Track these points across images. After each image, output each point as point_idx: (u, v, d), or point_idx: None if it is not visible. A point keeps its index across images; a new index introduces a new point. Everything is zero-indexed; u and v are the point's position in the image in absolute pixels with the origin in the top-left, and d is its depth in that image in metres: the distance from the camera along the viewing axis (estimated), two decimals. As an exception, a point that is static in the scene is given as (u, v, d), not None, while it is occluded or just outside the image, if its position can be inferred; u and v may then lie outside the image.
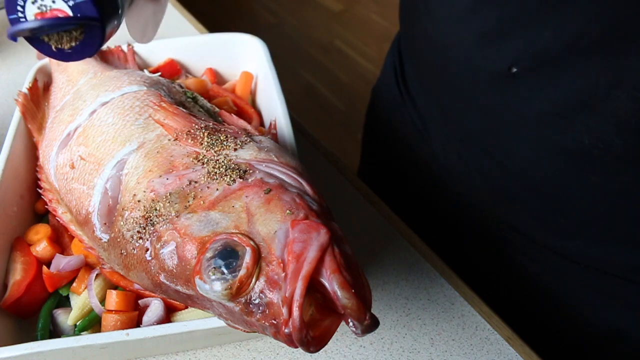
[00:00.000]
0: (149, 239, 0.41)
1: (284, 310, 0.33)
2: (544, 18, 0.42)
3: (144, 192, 0.43)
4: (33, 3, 0.31)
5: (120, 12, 0.33)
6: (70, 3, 0.31)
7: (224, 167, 0.43)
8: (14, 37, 0.32)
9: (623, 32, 0.39)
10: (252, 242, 0.36)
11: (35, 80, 0.61)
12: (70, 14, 0.31)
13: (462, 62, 0.51)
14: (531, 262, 0.60)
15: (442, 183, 0.64)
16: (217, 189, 0.41)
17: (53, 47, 0.33)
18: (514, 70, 0.45)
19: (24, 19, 0.32)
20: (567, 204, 0.51)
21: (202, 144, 0.46)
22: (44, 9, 0.31)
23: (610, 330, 0.58)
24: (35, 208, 0.57)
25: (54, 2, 0.31)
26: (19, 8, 0.31)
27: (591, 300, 0.58)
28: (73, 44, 0.33)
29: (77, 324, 0.48)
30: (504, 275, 0.64)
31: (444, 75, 0.55)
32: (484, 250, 0.65)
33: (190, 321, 0.43)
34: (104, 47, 0.66)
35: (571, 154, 0.46)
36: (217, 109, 0.57)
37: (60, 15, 0.31)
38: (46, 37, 0.33)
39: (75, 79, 0.58)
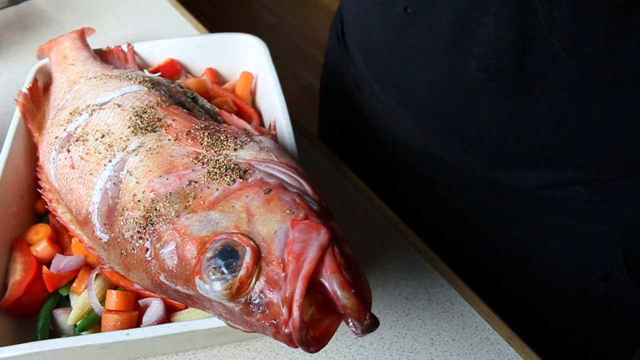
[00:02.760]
0: (149, 239, 0.41)
1: (284, 310, 0.33)
2: None
3: (144, 192, 0.43)
4: None
5: None
6: None
7: (224, 167, 0.43)
8: None
9: None
10: (252, 242, 0.36)
11: (35, 80, 0.61)
12: None
13: (372, 12, 0.59)
14: (459, 196, 0.66)
15: (379, 126, 0.71)
16: (217, 189, 0.41)
17: None
18: (408, 10, 0.53)
19: None
20: (467, 131, 0.57)
21: (202, 144, 0.46)
22: None
23: (536, 260, 0.63)
24: (35, 208, 0.57)
25: None
26: None
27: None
28: None
29: (77, 324, 0.48)
30: (434, 213, 0.70)
31: (362, 25, 0.64)
32: (413, 187, 0.71)
33: (190, 321, 0.43)
34: (104, 47, 0.66)
35: (463, 81, 0.52)
36: (217, 109, 0.57)
37: None
38: None
39: (75, 79, 0.58)
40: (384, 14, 0.57)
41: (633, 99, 0.48)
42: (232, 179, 0.41)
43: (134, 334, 0.43)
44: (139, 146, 0.47)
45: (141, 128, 0.48)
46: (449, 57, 0.52)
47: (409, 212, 0.66)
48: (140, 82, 0.54)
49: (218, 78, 0.70)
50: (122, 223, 0.43)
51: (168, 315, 0.47)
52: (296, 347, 0.34)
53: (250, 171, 0.42)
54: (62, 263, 0.49)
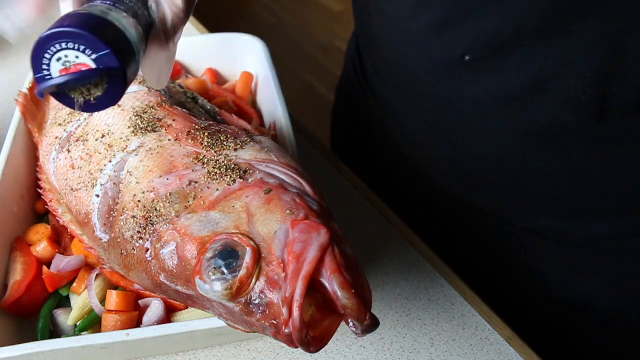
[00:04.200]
0: (149, 239, 0.41)
1: (284, 310, 0.33)
2: (490, 7, 0.44)
3: (144, 192, 0.43)
4: (57, 60, 0.32)
5: (137, 60, 0.35)
6: (93, 56, 0.32)
7: (224, 167, 0.43)
8: (41, 94, 0.33)
9: (560, 16, 0.42)
10: (252, 242, 0.36)
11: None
12: (94, 66, 0.33)
13: (416, 55, 0.53)
14: (503, 241, 0.62)
15: (411, 171, 0.66)
16: (217, 189, 0.41)
17: (79, 100, 0.34)
18: (467, 58, 0.47)
19: (49, 77, 0.33)
20: (529, 183, 0.53)
21: (202, 144, 0.46)
22: (67, 64, 0.33)
23: (579, 298, 0.60)
24: (35, 208, 0.57)
25: (77, 57, 0.32)
26: (44, 67, 0.33)
27: (563, 273, 0.59)
28: (97, 94, 0.34)
29: (77, 324, 0.48)
30: (477, 254, 0.66)
31: (400, 69, 0.57)
32: (457, 234, 0.67)
33: (190, 321, 0.43)
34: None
35: (528, 133, 0.48)
36: (217, 109, 0.57)
37: (84, 68, 0.33)
38: (72, 92, 0.34)
39: (75, 79, 0.58)
40: (432, 59, 0.51)
41: None
42: (232, 179, 0.41)
43: (134, 334, 0.43)
44: (139, 146, 0.47)
45: (141, 128, 0.48)
46: (514, 110, 0.47)
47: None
48: (140, 82, 0.54)
49: (218, 78, 0.70)
50: (122, 223, 0.43)
51: (168, 315, 0.47)
52: (296, 347, 0.34)
53: (250, 171, 0.42)
54: (62, 263, 0.49)
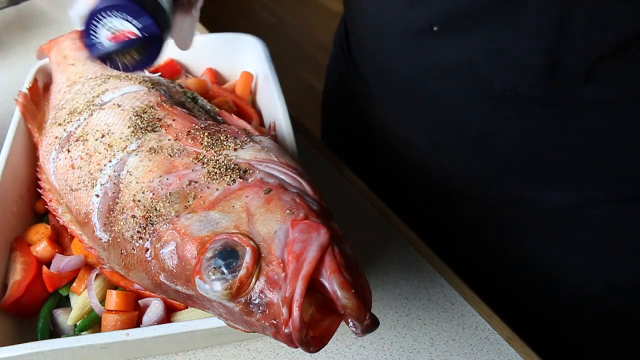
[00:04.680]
0: (149, 239, 0.41)
1: (284, 310, 0.33)
2: None
3: (144, 192, 0.43)
4: (105, 28, 0.38)
5: (170, 26, 0.41)
6: (138, 25, 0.38)
7: (224, 167, 0.43)
8: (93, 58, 0.40)
9: None
10: (252, 242, 0.36)
11: (35, 80, 0.61)
12: (139, 34, 0.38)
13: (391, 26, 0.57)
14: (476, 212, 0.65)
15: (390, 143, 0.70)
16: (217, 189, 0.41)
17: (122, 62, 0.41)
18: (435, 29, 0.51)
19: (100, 45, 0.39)
20: (494, 149, 0.56)
21: (202, 144, 0.46)
22: (113, 30, 0.38)
23: (547, 268, 0.62)
24: (35, 208, 0.57)
25: (122, 25, 0.38)
26: (92, 33, 0.39)
27: (525, 239, 0.62)
28: (138, 57, 0.40)
29: (77, 324, 0.48)
30: (452, 226, 0.69)
31: (377, 40, 0.62)
32: (430, 205, 0.70)
33: (190, 321, 0.43)
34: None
35: (489, 100, 0.52)
36: (217, 109, 0.57)
37: (132, 37, 0.39)
38: (117, 56, 0.40)
39: (75, 79, 0.58)
40: (405, 29, 0.55)
41: None
42: (232, 179, 0.41)
43: (134, 334, 0.43)
44: (139, 146, 0.47)
45: (141, 128, 0.48)
46: (476, 75, 0.51)
47: (422, 224, 0.64)
48: (140, 82, 0.54)
49: (218, 78, 0.70)
50: (122, 223, 0.43)
51: (168, 315, 0.47)
52: (296, 347, 0.34)
53: (250, 171, 0.42)
54: (62, 263, 0.49)
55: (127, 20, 0.38)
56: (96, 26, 0.38)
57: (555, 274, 0.62)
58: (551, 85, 0.47)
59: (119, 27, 0.38)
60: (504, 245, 0.65)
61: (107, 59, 0.40)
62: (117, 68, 0.40)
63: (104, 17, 0.38)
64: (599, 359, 0.66)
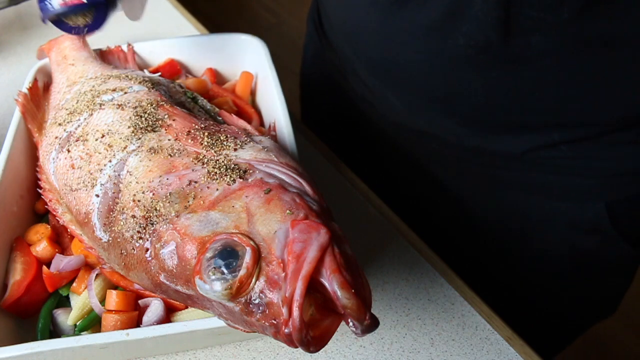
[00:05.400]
0: (149, 239, 0.41)
1: (284, 310, 0.33)
2: None
3: (144, 192, 0.43)
4: None
5: None
6: None
7: (224, 167, 0.43)
8: (44, 20, 0.49)
9: None
10: (252, 242, 0.36)
11: (35, 80, 0.61)
12: (85, 1, 0.49)
13: None
14: (447, 170, 0.68)
15: (365, 110, 0.73)
16: (217, 189, 0.41)
17: (74, 25, 0.52)
18: None
19: (52, 7, 0.49)
20: (460, 106, 0.59)
21: (202, 144, 0.46)
22: None
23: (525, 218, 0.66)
24: (35, 208, 0.57)
25: None
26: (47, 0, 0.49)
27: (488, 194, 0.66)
28: (86, 21, 0.51)
29: (77, 324, 0.48)
30: (424, 190, 0.72)
31: (345, 12, 0.66)
32: (402, 167, 0.73)
33: (190, 321, 0.43)
34: (104, 47, 0.66)
35: (450, 57, 0.55)
36: (217, 109, 0.57)
37: (77, 2, 0.49)
38: (67, 19, 0.51)
39: (75, 79, 0.58)
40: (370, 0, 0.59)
41: (610, 61, 0.51)
42: (232, 179, 0.41)
43: (134, 334, 0.43)
44: (138, 146, 0.47)
45: (141, 128, 0.48)
46: (438, 36, 0.54)
47: (400, 193, 0.67)
48: (140, 82, 0.54)
49: (218, 78, 0.70)
50: (122, 223, 0.43)
51: (168, 315, 0.47)
52: (296, 347, 0.34)
53: (250, 171, 0.42)
54: (62, 263, 0.49)
55: None
56: None
57: (528, 223, 0.65)
58: (505, 37, 0.51)
59: None
60: (480, 202, 0.68)
61: (58, 21, 0.49)
62: (68, 31, 0.51)
63: None
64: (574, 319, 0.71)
